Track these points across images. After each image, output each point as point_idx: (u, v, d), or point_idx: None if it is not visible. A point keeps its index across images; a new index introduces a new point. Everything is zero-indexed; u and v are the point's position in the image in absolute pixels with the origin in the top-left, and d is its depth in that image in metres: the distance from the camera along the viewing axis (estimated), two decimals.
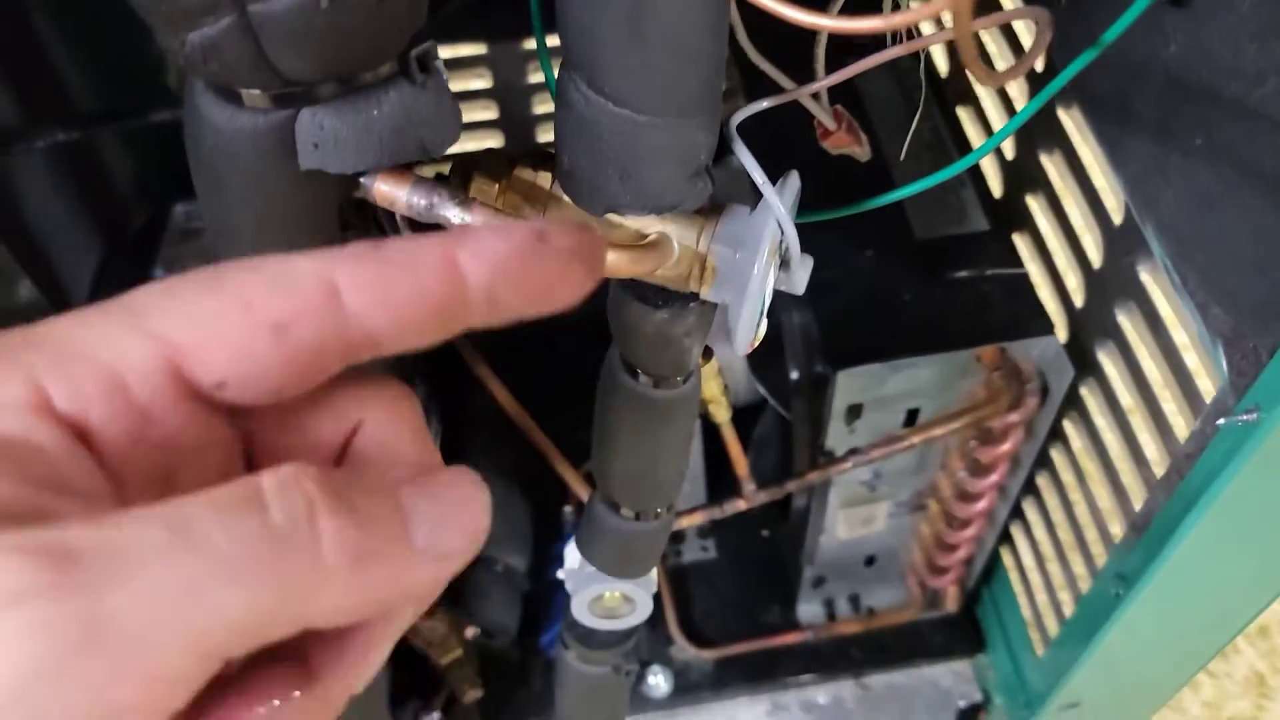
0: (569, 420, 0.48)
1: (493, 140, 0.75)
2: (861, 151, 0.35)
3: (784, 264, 0.29)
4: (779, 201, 0.27)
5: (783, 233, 0.28)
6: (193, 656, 0.15)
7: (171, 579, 0.14)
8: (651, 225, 0.28)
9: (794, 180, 0.28)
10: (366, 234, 0.29)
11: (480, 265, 0.18)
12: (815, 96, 0.32)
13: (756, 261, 0.27)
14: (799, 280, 0.29)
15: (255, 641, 0.15)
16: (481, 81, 0.72)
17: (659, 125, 0.25)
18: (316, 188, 0.25)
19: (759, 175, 0.27)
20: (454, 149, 0.27)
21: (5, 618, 0.14)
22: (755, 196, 0.28)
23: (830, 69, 0.30)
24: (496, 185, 0.29)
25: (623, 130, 0.25)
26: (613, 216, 0.28)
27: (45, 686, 0.14)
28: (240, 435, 0.19)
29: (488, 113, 0.74)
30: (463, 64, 0.71)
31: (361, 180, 0.26)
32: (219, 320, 0.17)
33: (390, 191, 0.26)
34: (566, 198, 0.28)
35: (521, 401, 0.60)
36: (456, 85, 0.72)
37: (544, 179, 0.29)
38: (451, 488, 0.18)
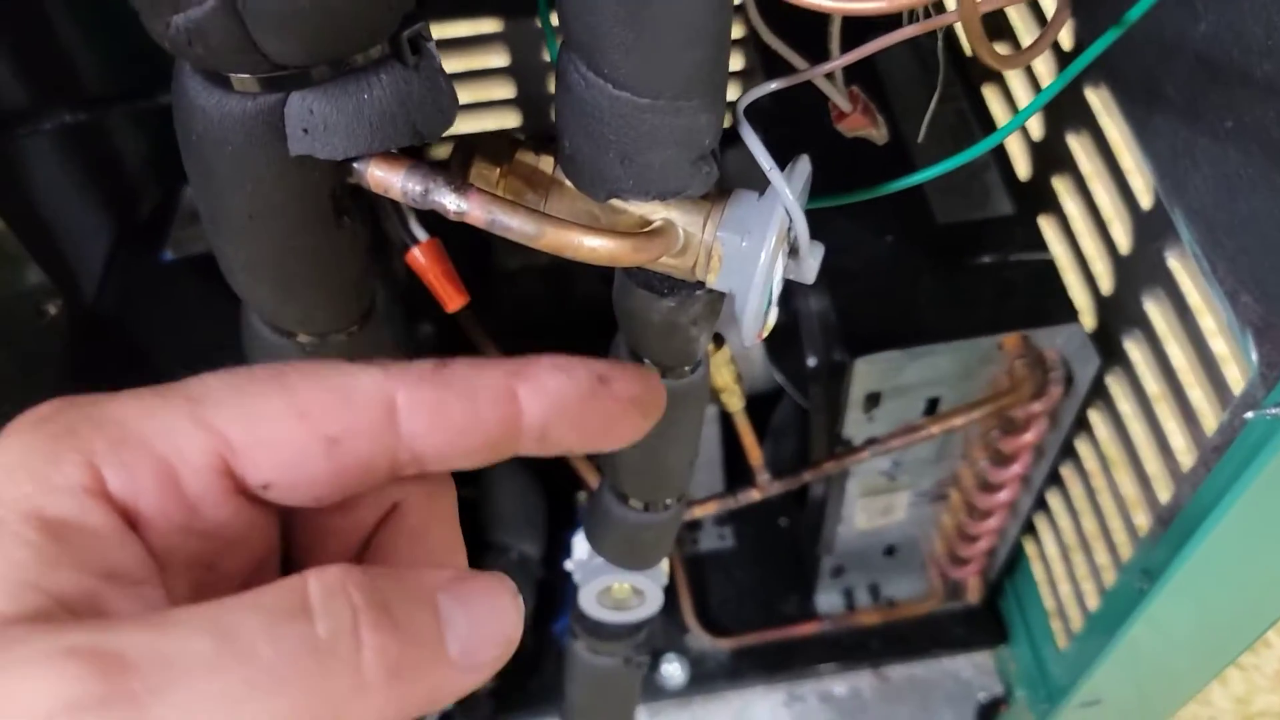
0: None
1: (511, 119, 0.74)
2: (878, 134, 0.34)
3: (793, 251, 0.28)
4: (786, 187, 0.26)
5: (791, 219, 0.27)
6: None
7: (217, 690, 0.15)
8: (656, 211, 0.27)
9: (804, 164, 0.27)
10: (362, 221, 0.28)
11: (539, 403, 0.18)
12: (830, 77, 0.31)
13: (763, 249, 0.26)
14: (809, 269, 0.28)
15: None
16: (498, 59, 0.71)
17: (660, 108, 0.24)
18: (308, 174, 0.25)
19: (765, 159, 0.26)
20: (473, 128, 0.26)
21: None
22: (767, 182, 0.27)
23: (848, 48, 0.28)
24: (498, 170, 0.28)
25: (623, 113, 0.24)
26: (615, 202, 0.27)
27: None
28: (278, 511, 0.19)
29: (505, 91, 0.73)
30: (478, 41, 0.70)
31: (355, 165, 0.25)
32: (275, 425, 0.17)
33: (384, 177, 0.25)
34: (569, 183, 0.28)
35: None
36: (472, 63, 0.71)
37: (546, 163, 0.28)
38: (486, 596, 0.17)
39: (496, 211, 0.25)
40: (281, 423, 0.17)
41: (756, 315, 0.28)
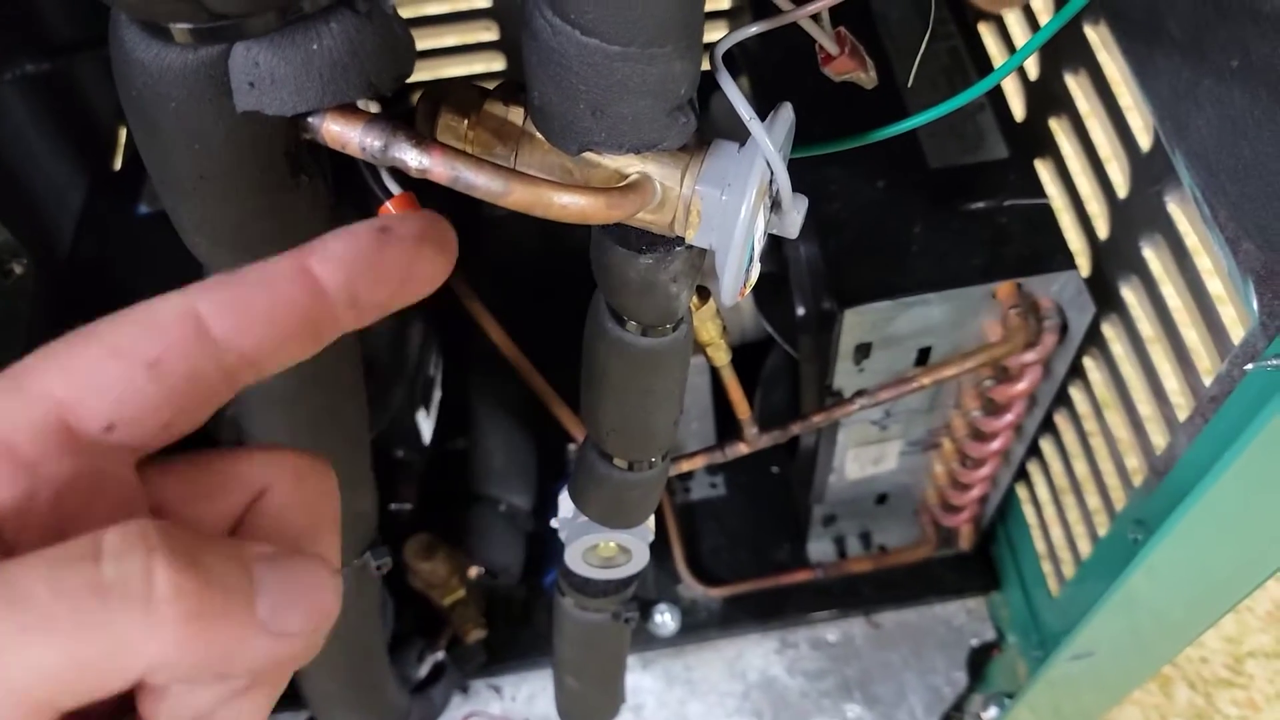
0: (572, 358, 0.46)
1: (496, 63, 0.72)
2: (867, 78, 0.32)
3: (776, 205, 0.27)
4: (767, 137, 0.25)
5: (772, 171, 0.26)
6: (18, 712, 0.15)
7: None
8: (631, 165, 0.26)
9: (785, 113, 0.26)
10: (323, 178, 0.27)
11: (332, 268, 0.19)
12: (816, 18, 0.30)
13: (743, 203, 0.25)
14: (791, 223, 0.27)
15: (86, 694, 0.15)
16: (480, 0, 0.69)
17: (632, 56, 0.22)
18: (258, 131, 0.23)
19: (744, 108, 0.25)
20: (456, 72, 0.25)
21: None
22: (748, 132, 0.25)
23: None
24: (465, 121, 0.27)
25: (592, 62, 0.23)
26: (589, 155, 0.26)
27: None
28: (153, 508, 0.19)
29: (488, 34, 0.71)
30: None
31: (309, 121, 0.23)
32: (94, 369, 0.18)
33: (341, 132, 0.23)
34: (540, 135, 0.26)
35: (523, 339, 0.58)
36: (454, 5, 0.69)
37: (516, 114, 0.27)
38: (305, 570, 0.18)
39: (461, 168, 0.23)
40: (100, 364, 0.18)
41: (737, 272, 0.26)
